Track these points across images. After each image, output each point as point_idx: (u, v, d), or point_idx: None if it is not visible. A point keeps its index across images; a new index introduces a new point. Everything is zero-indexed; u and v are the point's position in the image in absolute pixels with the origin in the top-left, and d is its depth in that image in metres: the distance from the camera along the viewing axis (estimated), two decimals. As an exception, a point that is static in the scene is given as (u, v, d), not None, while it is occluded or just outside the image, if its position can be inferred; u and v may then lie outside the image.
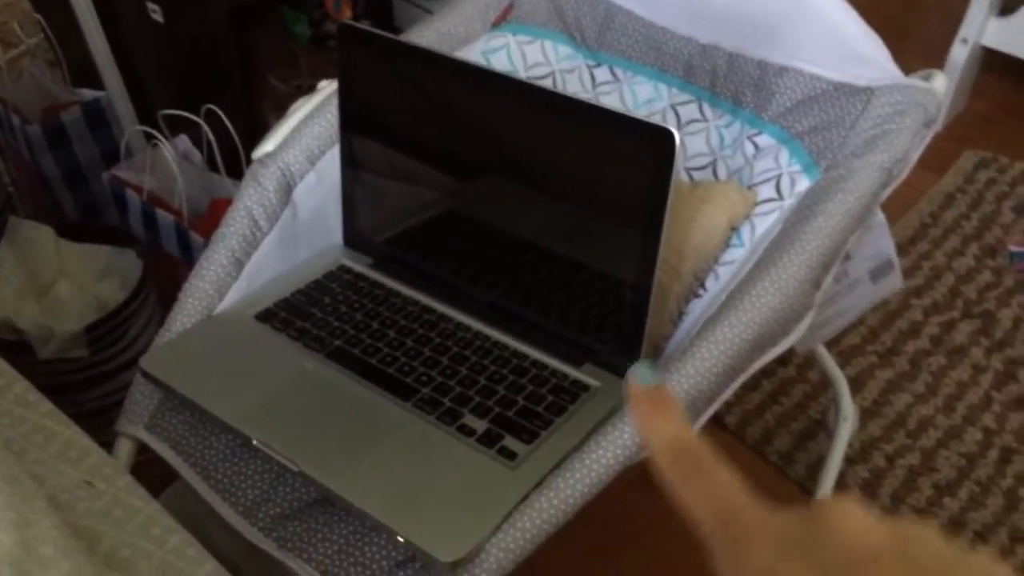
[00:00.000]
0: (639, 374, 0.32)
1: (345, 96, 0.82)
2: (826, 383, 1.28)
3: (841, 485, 1.17)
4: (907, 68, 0.85)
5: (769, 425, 1.25)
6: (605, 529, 1.15)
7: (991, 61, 1.78)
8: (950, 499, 1.16)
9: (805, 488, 1.18)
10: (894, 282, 0.93)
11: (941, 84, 0.83)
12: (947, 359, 1.33)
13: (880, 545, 0.25)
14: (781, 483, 1.20)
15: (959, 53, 1.68)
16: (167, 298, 1.22)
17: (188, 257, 1.20)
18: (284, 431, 0.67)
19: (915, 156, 0.81)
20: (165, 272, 1.23)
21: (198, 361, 0.73)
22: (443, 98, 0.77)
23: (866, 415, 1.26)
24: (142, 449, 0.72)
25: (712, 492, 0.28)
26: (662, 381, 0.34)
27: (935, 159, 1.69)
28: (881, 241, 0.88)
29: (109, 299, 1.13)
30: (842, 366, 1.30)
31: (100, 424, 1.14)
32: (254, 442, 0.66)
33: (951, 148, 1.71)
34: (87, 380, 1.10)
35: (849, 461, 1.20)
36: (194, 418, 0.72)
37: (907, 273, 1.46)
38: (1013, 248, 1.48)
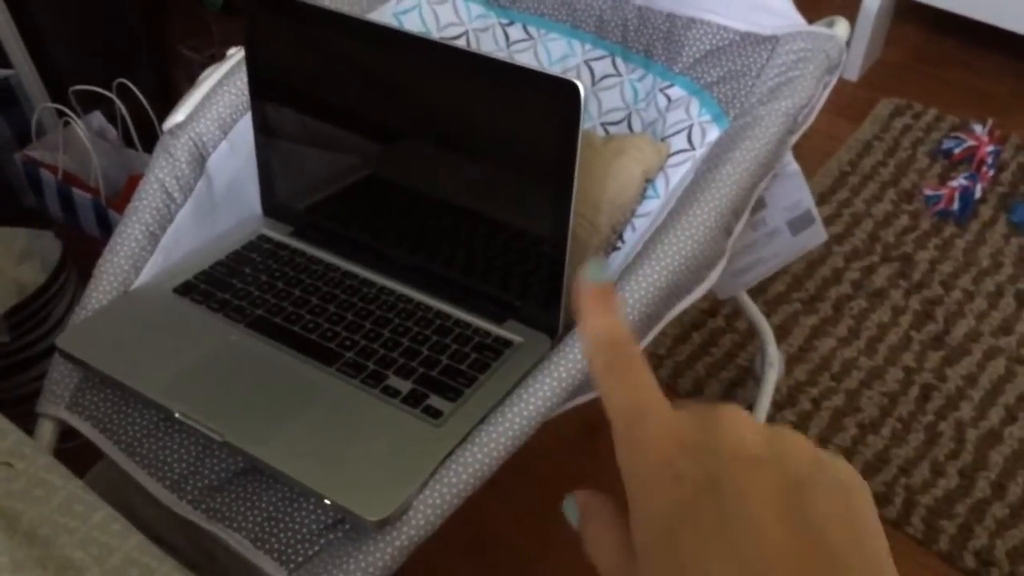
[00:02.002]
0: (590, 269, 0.33)
1: (254, 62, 0.81)
2: (753, 332, 1.32)
3: (769, 428, 1.21)
4: (822, 15, 0.87)
5: (700, 375, 1.28)
6: (549, 489, 1.17)
7: (905, 9, 1.82)
8: (874, 437, 1.20)
9: (736, 433, 1.22)
10: (816, 235, 0.96)
11: (844, 30, 0.85)
12: (868, 302, 1.37)
13: (760, 449, 0.27)
14: (713, 430, 1.23)
15: (872, 1, 1.72)
16: (88, 279, 1.21)
17: (107, 236, 1.18)
18: (207, 402, 0.67)
19: (820, 102, 0.83)
20: (85, 252, 1.20)
21: (116, 338, 0.72)
22: (355, 61, 0.76)
23: (792, 361, 1.29)
24: (67, 433, 0.72)
25: (630, 384, 0.30)
26: (612, 280, 0.35)
27: (852, 108, 1.73)
28: (797, 192, 0.90)
29: (28, 282, 1.10)
30: (768, 314, 1.34)
31: (27, 411, 1.13)
32: (176, 415, 0.66)
33: (868, 96, 1.75)
34: (10, 367, 1.08)
35: (777, 406, 1.23)
36: (116, 395, 0.71)
37: (828, 221, 1.49)
38: (928, 192, 1.53)
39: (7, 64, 1.27)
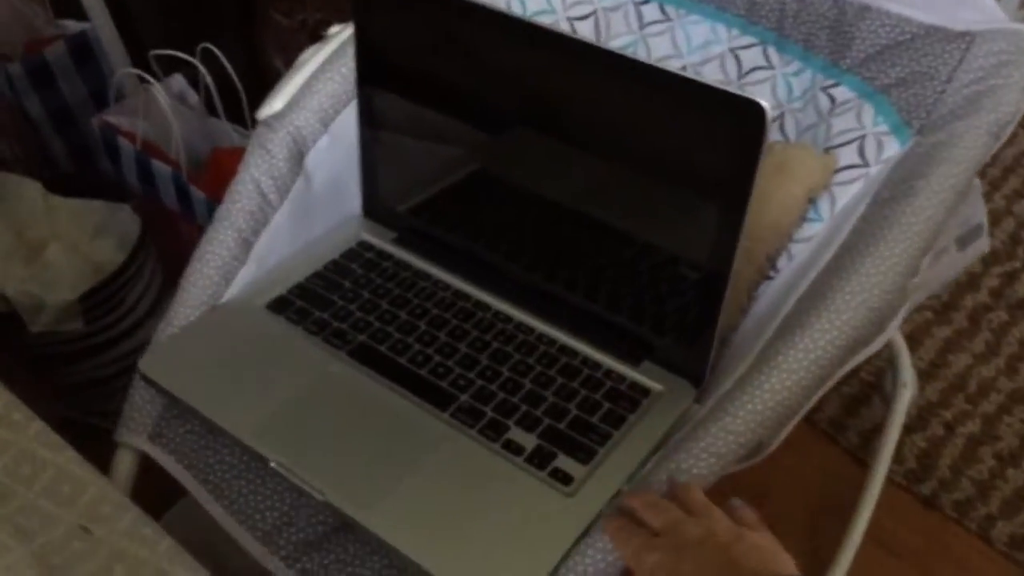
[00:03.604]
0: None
1: (363, 47, 0.71)
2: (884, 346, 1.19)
3: (898, 457, 1.09)
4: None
5: (817, 388, 1.17)
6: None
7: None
8: (1014, 471, 1.08)
9: (856, 457, 1.11)
10: (982, 245, 0.83)
11: (1052, 27, 0.72)
12: (1008, 314, 1.24)
13: None
14: (830, 452, 1.12)
15: (1024, -29, 1.54)
16: (167, 258, 1.14)
17: (188, 211, 1.10)
18: (305, 452, 0.58)
19: (1022, 112, 0.71)
20: (164, 228, 1.13)
21: (204, 362, 0.64)
22: (475, 50, 0.65)
23: (923, 377, 1.17)
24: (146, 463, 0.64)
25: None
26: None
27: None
28: (973, 206, 0.78)
29: (105, 261, 1.03)
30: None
31: (97, 396, 1.07)
32: (272, 464, 0.58)
33: (1010, 77, 1.58)
34: (81, 351, 1.01)
35: (906, 429, 1.12)
36: (203, 427, 0.63)
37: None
38: (1079, 190, 1.37)
39: (85, 18, 1.19)
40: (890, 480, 1.08)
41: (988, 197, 1.38)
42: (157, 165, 1.09)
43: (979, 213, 0.81)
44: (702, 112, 0.56)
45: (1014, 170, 1.42)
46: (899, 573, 1.03)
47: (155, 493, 0.62)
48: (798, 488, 1.10)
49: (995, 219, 1.36)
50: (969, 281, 1.28)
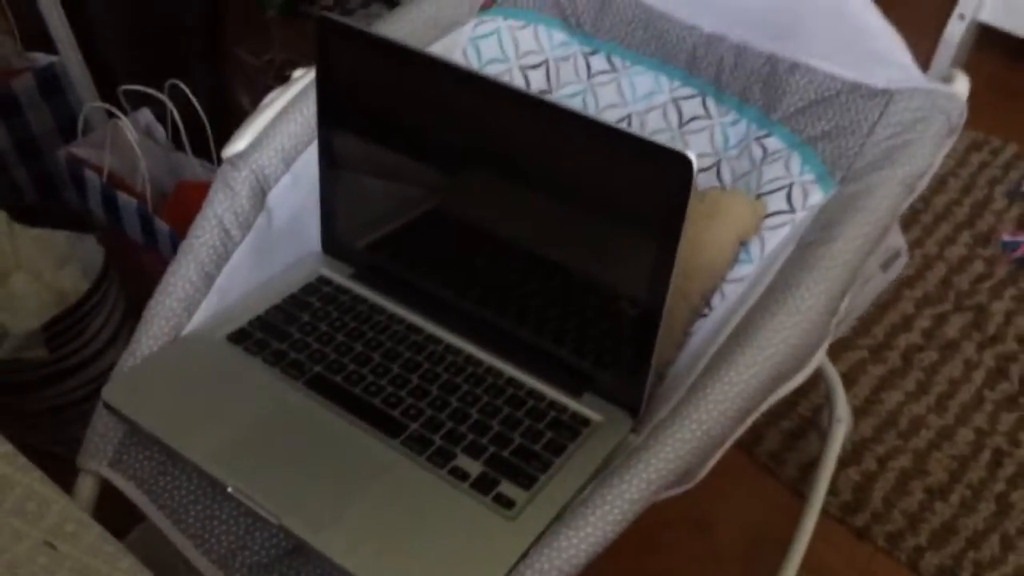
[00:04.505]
0: None
1: (324, 92, 0.75)
2: (816, 379, 1.25)
3: (833, 490, 1.14)
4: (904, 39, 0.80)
5: (758, 423, 1.21)
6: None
7: (982, 38, 1.73)
8: (942, 504, 1.14)
9: (795, 490, 1.15)
10: (900, 266, 0.89)
11: (964, 87, 0.78)
12: (939, 354, 1.30)
13: None
14: (770, 484, 1.17)
15: (955, 29, 1.63)
16: (130, 288, 1.16)
17: (152, 243, 1.13)
18: (261, 476, 0.61)
19: (936, 166, 0.76)
20: (128, 259, 1.15)
21: (165, 391, 0.67)
22: (432, 96, 0.70)
23: (858, 413, 1.23)
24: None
25: None
26: None
27: (928, 140, 1.64)
28: (891, 237, 0.84)
29: (69, 290, 1.05)
30: (833, 361, 1.27)
31: (58, 422, 1.08)
32: (230, 489, 0.61)
33: (944, 128, 1.66)
34: (44, 378, 1.03)
35: (841, 463, 1.17)
36: (162, 453, 0.66)
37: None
38: (1006, 238, 1.45)
39: (55, 51, 1.21)
40: (826, 512, 1.13)
41: (920, 243, 1.45)
42: (122, 197, 1.12)
43: (898, 240, 0.87)
44: (638, 161, 0.61)
45: (945, 217, 1.50)
46: (833, 601, 1.07)
47: (115, 519, 0.65)
48: (739, 520, 1.14)
49: (928, 263, 1.43)
50: (903, 323, 1.34)
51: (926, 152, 0.73)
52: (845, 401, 1.14)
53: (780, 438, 1.20)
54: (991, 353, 1.30)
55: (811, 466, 1.15)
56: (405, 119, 0.72)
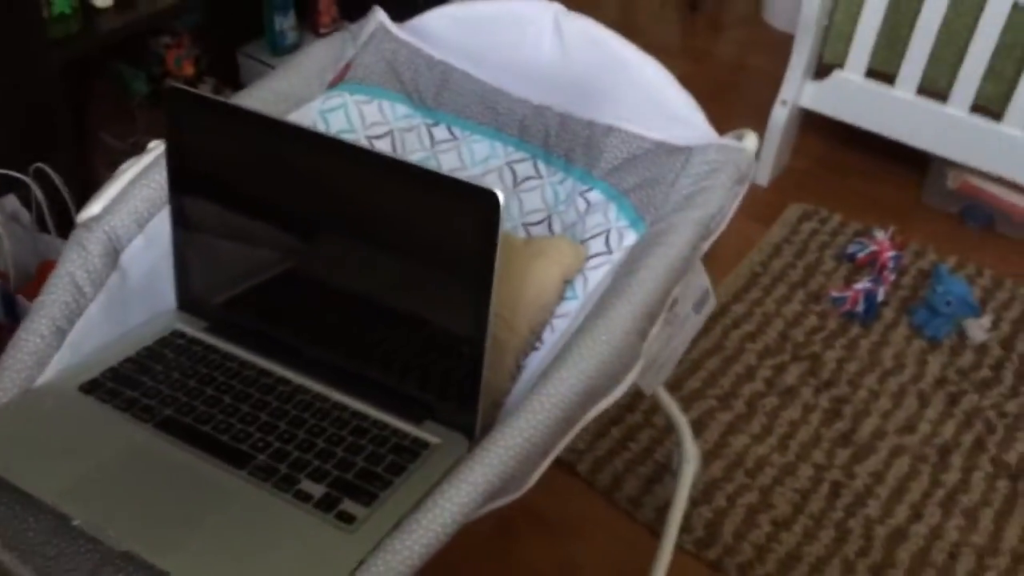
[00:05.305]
0: None
1: (174, 158, 0.81)
2: (671, 428, 1.33)
3: (686, 526, 1.21)
4: (734, 127, 0.91)
5: (618, 470, 1.29)
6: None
7: (810, 121, 1.92)
8: (787, 533, 1.22)
9: (653, 531, 1.22)
10: (711, 304, 0.99)
11: (752, 143, 0.90)
12: (780, 399, 1.41)
13: None
14: (630, 527, 1.23)
15: (779, 114, 1.81)
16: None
17: (14, 322, 1.14)
18: (109, 508, 0.64)
19: (731, 210, 0.87)
20: (-13, 341, 1.16)
21: (15, 438, 0.69)
22: (275, 160, 0.77)
23: (708, 457, 1.31)
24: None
25: None
26: None
27: (763, 212, 1.80)
28: (699, 278, 0.93)
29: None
30: (685, 410, 1.36)
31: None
32: (75, 523, 0.63)
33: (777, 201, 1.83)
34: None
35: (693, 502, 1.24)
36: (14, 498, 0.68)
37: (741, 319, 1.54)
38: (835, 294, 1.59)
39: (-84, 144, 1.24)
40: (681, 548, 1.19)
41: (760, 302, 1.58)
42: (-18, 279, 1.13)
43: (704, 281, 0.97)
44: (455, 202, 0.68)
45: (781, 278, 1.64)
46: (692, 633, 1.13)
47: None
48: (603, 562, 1.19)
49: (767, 320, 1.55)
50: (747, 373, 1.45)
51: (718, 196, 0.84)
52: (692, 443, 1.22)
53: (638, 483, 1.27)
54: (826, 396, 1.42)
55: (667, 508, 1.22)
56: (247, 181, 0.78)
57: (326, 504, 0.66)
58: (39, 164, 1.12)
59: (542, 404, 0.68)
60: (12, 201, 1.23)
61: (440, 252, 0.71)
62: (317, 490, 0.68)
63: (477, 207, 0.67)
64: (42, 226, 1.19)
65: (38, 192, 1.14)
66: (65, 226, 1.18)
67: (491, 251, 0.67)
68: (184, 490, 0.67)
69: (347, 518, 0.65)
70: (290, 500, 0.67)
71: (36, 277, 1.14)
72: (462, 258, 0.70)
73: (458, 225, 0.69)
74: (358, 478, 0.69)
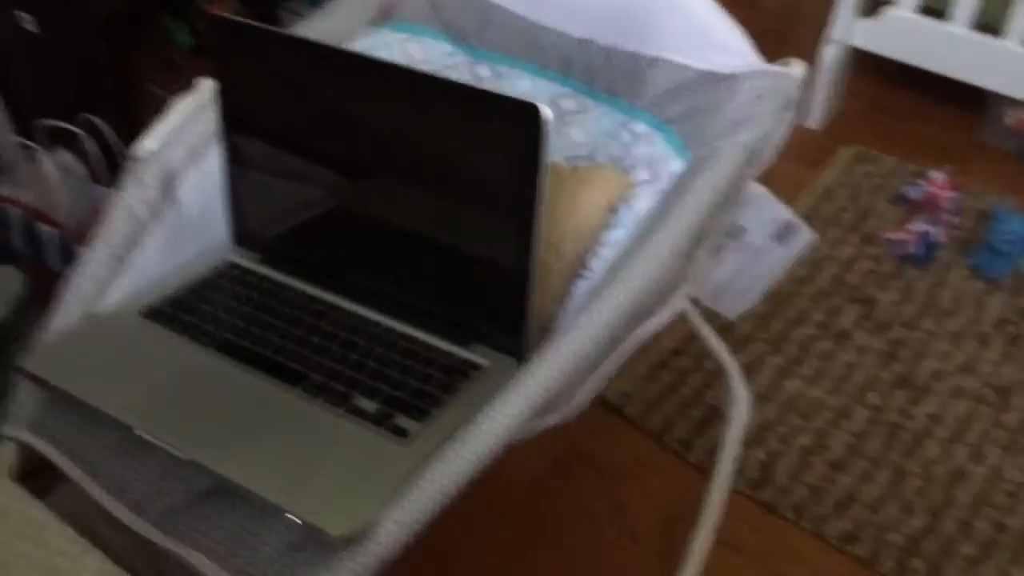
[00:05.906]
0: None
1: (224, 92, 0.82)
2: (721, 371, 1.32)
3: (740, 469, 1.21)
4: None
5: (668, 414, 1.29)
6: (516, 524, 1.16)
7: (862, 62, 1.88)
8: (843, 475, 1.21)
9: (704, 471, 1.22)
10: (804, 237, 0.97)
11: (799, 70, 0.88)
12: (834, 342, 1.39)
13: None
14: (681, 469, 1.23)
15: (829, 54, 1.77)
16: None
17: (76, 273, 1.17)
18: (170, 421, 0.66)
19: (778, 136, 0.86)
20: (50, 289, 1.19)
21: (82, 359, 0.72)
22: (322, 88, 0.78)
23: (760, 400, 1.30)
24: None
25: None
26: None
27: (814, 155, 1.77)
28: (772, 208, 0.92)
29: (-9, 318, 1.09)
30: (735, 354, 1.35)
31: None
32: (136, 431, 0.65)
33: (830, 145, 1.80)
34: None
35: (746, 445, 1.24)
36: (80, 417, 0.71)
37: (792, 264, 1.52)
38: (890, 236, 1.56)
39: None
40: (735, 490, 1.19)
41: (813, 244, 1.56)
42: (44, 229, 1.17)
43: (783, 213, 0.95)
44: (494, 119, 0.69)
45: (835, 221, 1.61)
46: (745, 570, 1.13)
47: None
48: (653, 502, 1.20)
49: (819, 263, 1.53)
50: (798, 317, 1.43)
51: (764, 121, 0.83)
52: (742, 384, 1.22)
53: (688, 426, 1.27)
54: (882, 339, 1.40)
55: (718, 449, 1.22)
56: (294, 111, 0.79)
57: (379, 418, 0.68)
58: (87, 115, 1.15)
59: (590, 320, 0.68)
60: (64, 155, 1.26)
61: (488, 172, 0.71)
62: (371, 406, 0.69)
63: (520, 124, 0.67)
64: (94, 177, 1.22)
65: (89, 139, 1.17)
66: (117, 176, 1.21)
67: (536, 171, 0.67)
68: (243, 405, 0.69)
69: (401, 432, 0.67)
70: (344, 415, 0.68)
71: (93, 227, 1.17)
72: (509, 177, 0.70)
73: (505, 142, 0.69)
74: (411, 396, 0.70)
